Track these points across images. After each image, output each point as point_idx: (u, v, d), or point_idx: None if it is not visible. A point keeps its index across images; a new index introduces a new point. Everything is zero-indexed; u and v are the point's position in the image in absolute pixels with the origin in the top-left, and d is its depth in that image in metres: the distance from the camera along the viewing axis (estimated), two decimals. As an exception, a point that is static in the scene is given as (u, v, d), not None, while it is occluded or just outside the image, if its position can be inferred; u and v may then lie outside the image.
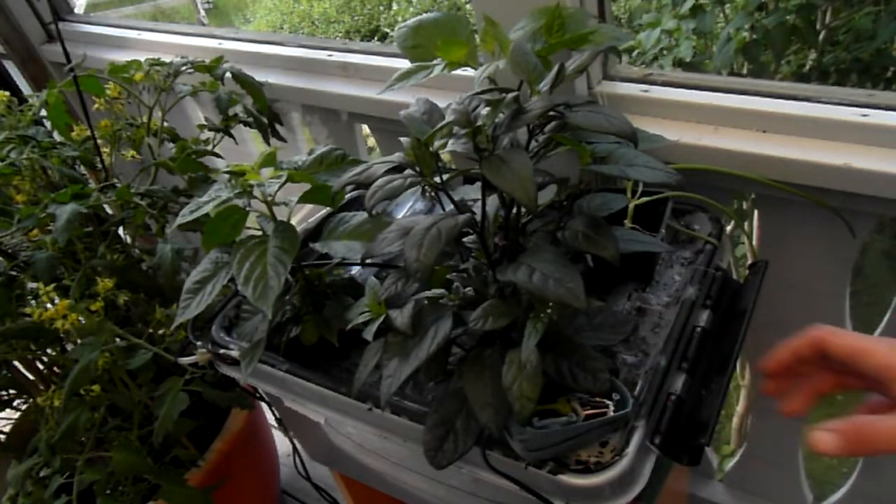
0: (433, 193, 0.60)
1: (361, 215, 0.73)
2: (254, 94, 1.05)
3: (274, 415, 1.09)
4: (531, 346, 0.54)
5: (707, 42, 2.40)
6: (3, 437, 1.10)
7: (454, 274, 0.64)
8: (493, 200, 0.61)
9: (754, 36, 2.17)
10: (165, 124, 1.08)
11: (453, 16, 0.58)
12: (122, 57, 1.35)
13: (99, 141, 1.04)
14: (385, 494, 0.90)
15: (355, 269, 0.84)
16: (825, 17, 2.24)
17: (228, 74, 1.04)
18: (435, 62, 0.56)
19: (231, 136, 1.09)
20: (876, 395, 0.51)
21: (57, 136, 1.07)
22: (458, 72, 0.59)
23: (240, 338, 0.78)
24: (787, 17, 2.11)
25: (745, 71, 2.24)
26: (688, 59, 2.34)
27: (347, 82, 1.12)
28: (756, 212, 0.92)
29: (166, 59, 1.06)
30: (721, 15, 2.32)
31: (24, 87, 1.54)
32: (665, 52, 2.38)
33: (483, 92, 0.55)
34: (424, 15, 0.60)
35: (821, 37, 2.26)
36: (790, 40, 2.14)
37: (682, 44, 2.34)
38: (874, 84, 2.22)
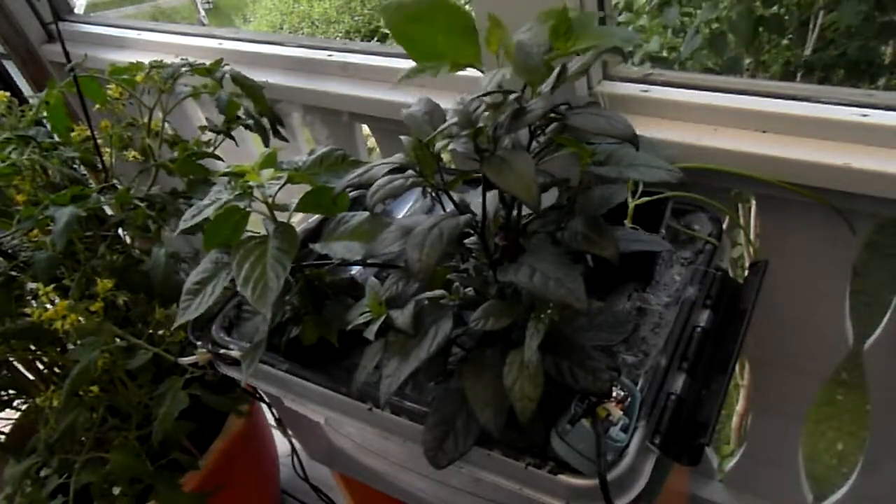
0: (434, 194, 0.59)
1: (361, 216, 0.73)
2: (254, 97, 1.04)
3: (274, 415, 1.09)
4: (533, 347, 0.54)
5: (679, 36, 2.45)
6: (2, 437, 1.10)
7: (455, 274, 0.64)
8: (493, 201, 0.61)
9: (721, 28, 2.21)
10: (166, 126, 1.08)
11: (453, 6, 0.55)
12: (122, 57, 1.35)
13: (99, 141, 1.04)
14: (385, 494, 0.90)
15: (355, 270, 0.84)
16: (817, 16, 2.26)
17: (228, 77, 1.04)
18: (438, 64, 0.55)
19: (232, 137, 1.09)
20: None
21: (57, 137, 1.07)
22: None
23: (240, 338, 0.78)
24: (755, 7, 2.14)
25: (717, 66, 2.27)
26: (657, 54, 2.41)
27: (347, 82, 1.12)
28: (754, 212, 0.92)
29: (167, 59, 1.06)
30: (688, 10, 2.38)
31: (24, 88, 1.54)
32: (636, 48, 2.44)
33: (485, 94, 0.55)
34: (422, 5, 0.54)
35: (814, 35, 2.28)
36: (757, 30, 2.17)
37: (652, 39, 2.41)
38: (860, 80, 2.24)
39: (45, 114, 1.05)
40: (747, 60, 2.37)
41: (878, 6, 2.03)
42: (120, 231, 1.03)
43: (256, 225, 0.72)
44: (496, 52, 0.54)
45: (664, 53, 2.47)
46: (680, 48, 2.36)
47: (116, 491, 0.95)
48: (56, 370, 1.04)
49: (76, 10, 1.67)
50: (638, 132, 0.54)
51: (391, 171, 0.58)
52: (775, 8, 2.18)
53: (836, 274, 0.87)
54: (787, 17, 2.27)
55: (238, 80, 1.03)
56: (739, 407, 2.05)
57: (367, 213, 0.72)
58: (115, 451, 0.91)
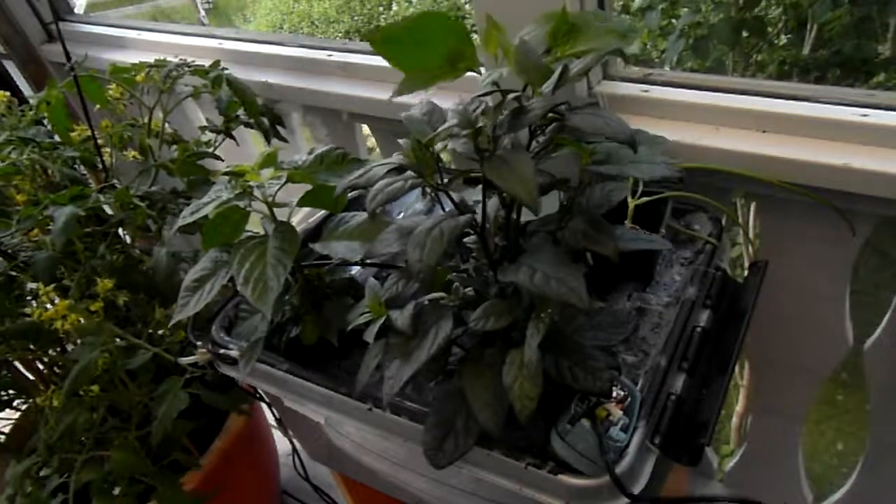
0: (433, 194, 0.59)
1: (361, 216, 0.73)
2: (245, 101, 1.04)
3: (274, 415, 1.09)
4: (533, 347, 0.53)
5: (665, 38, 2.47)
6: (2, 437, 1.10)
7: (454, 274, 0.64)
8: (493, 201, 0.61)
9: (702, 32, 2.22)
10: (167, 125, 1.08)
11: (441, 16, 0.51)
12: (122, 57, 1.35)
13: (99, 141, 1.04)
14: (385, 494, 0.90)
15: (355, 270, 0.84)
16: (814, 16, 2.27)
17: (225, 80, 1.04)
18: (437, 73, 0.55)
19: (232, 137, 1.09)
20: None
21: (57, 137, 1.07)
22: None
23: (239, 338, 0.78)
24: (735, 12, 2.15)
25: (703, 69, 2.29)
26: (639, 56, 2.43)
27: (347, 82, 1.12)
28: (753, 212, 0.92)
29: (168, 59, 1.06)
30: (673, 13, 2.39)
31: (24, 88, 1.54)
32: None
33: (485, 94, 0.55)
34: (411, 23, 0.51)
35: (812, 35, 2.29)
36: (739, 33, 2.19)
37: (635, 42, 2.45)
38: (856, 78, 2.25)
39: (45, 114, 1.05)
40: (740, 63, 2.38)
41: (853, 2, 2.05)
42: (120, 231, 1.03)
43: (255, 225, 0.72)
44: (494, 53, 0.54)
45: (649, 54, 2.49)
46: (662, 48, 2.38)
47: (116, 491, 0.95)
48: (56, 370, 1.04)
49: (76, 10, 1.67)
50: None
51: (390, 172, 0.58)
52: (757, 10, 2.20)
53: (836, 274, 0.87)
54: (782, 17, 2.28)
55: (232, 84, 1.03)
56: (739, 407, 2.05)
57: (367, 214, 0.72)
58: (115, 451, 0.91)
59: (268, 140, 1.08)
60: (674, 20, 2.37)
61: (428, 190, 0.59)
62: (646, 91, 0.87)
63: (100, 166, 1.06)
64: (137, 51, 1.39)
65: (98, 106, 1.07)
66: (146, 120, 1.06)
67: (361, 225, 0.73)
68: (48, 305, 0.86)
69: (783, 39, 2.44)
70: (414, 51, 0.52)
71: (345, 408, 0.70)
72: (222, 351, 0.77)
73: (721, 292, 0.72)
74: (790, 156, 0.76)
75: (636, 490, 0.56)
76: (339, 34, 6.48)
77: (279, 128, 1.11)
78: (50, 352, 1.01)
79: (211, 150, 1.08)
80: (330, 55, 1.15)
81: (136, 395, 0.96)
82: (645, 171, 0.57)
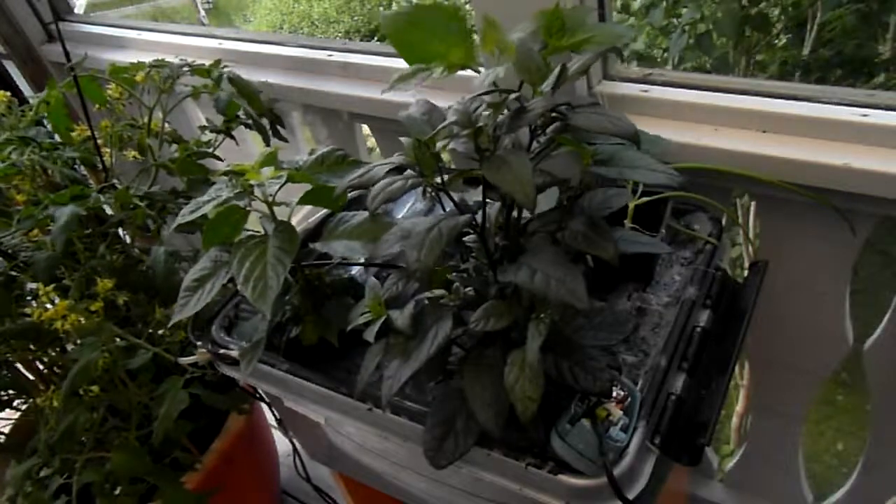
0: (434, 194, 0.59)
1: (361, 215, 0.73)
2: (249, 99, 1.04)
3: (274, 415, 1.09)
4: (535, 349, 0.53)
5: (669, 37, 2.48)
6: (2, 437, 1.10)
7: (455, 274, 0.64)
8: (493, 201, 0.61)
9: (705, 28, 2.23)
10: (167, 125, 1.08)
11: (449, 8, 0.55)
12: (121, 57, 1.35)
13: (99, 141, 1.04)
14: (385, 494, 0.90)
15: (355, 269, 0.84)
16: (815, 16, 2.27)
17: (227, 77, 1.04)
18: (434, 65, 0.55)
19: (232, 137, 1.09)
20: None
21: (58, 137, 1.07)
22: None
23: (240, 338, 0.79)
24: (739, 6, 2.16)
25: (706, 67, 2.30)
26: (643, 52, 2.44)
27: (347, 82, 1.12)
28: (753, 212, 0.92)
29: (168, 59, 1.06)
30: (677, 11, 2.40)
31: (25, 88, 1.54)
32: (623, 46, 2.49)
33: (485, 93, 0.55)
34: (417, 6, 0.55)
35: (812, 35, 2.29)
36: (743, 29, 2.19)
37: (638, 38, 2.45)
38: (857, 78, 2.25)
39: (45, 114, 1.05)
40: (741, 61, 2.38)
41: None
42: (120, 231, 1.03)
43: (256, 225, 0.72)
44: (492, 52, 0.54)
45: (651, 51, 2.49)
46: (664, 45, 2.38)
47: (118, 491, 0.95)
48: (56, 370, 1.04)
49: (76, 10, 1.67)
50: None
51: (391, 172, 0.58)
52: (762, 6, 2.20)
53: (836, 274, 0.87)
54: (781, 16, 2.28)
55: (235, 82, 1.03)
56: (739, 407, 2.05)
57: (367, 213, 0.72)
58: (115, 451, 0.91)
59: (266, 141, 1.08)
60: (675, 20, 2.38)
61: (428, 190, 0.59)
62: (646, 91, 0.87)
63: (100, 166, 1.06)
64: (137, 51, 1.39)
65: (98, 106, 1.07)
66: (146, 120, 1.06)
67: (362, 224, 0.73)
68: (48, 305, 0.86)
69: (783, 40, 2.45)
70: (418, 39, 0.53)
71: (345, 408, 0.70)
72: (222, 351, 0.77)
73: (721, 292, 0.72)
74: (790, 156, 0.76)
75: (636, 490, 0.56)
76: (339, 34, 6.48)
77: (279, 128, 1.11)
78: (50, 352, 1.01)
79: (211, 149, 1.08)
80: (330, 55, 1.15)
81: (136, 395, 0.96)
82: (646, 177, 0.57)
